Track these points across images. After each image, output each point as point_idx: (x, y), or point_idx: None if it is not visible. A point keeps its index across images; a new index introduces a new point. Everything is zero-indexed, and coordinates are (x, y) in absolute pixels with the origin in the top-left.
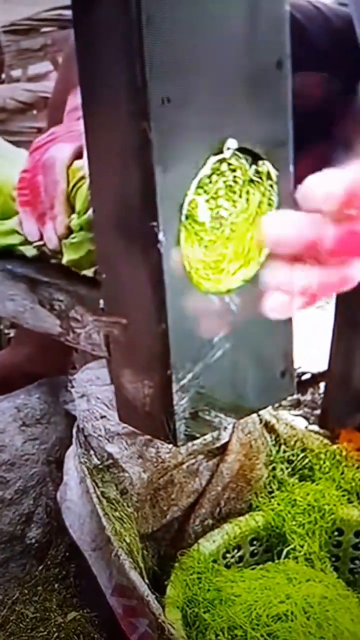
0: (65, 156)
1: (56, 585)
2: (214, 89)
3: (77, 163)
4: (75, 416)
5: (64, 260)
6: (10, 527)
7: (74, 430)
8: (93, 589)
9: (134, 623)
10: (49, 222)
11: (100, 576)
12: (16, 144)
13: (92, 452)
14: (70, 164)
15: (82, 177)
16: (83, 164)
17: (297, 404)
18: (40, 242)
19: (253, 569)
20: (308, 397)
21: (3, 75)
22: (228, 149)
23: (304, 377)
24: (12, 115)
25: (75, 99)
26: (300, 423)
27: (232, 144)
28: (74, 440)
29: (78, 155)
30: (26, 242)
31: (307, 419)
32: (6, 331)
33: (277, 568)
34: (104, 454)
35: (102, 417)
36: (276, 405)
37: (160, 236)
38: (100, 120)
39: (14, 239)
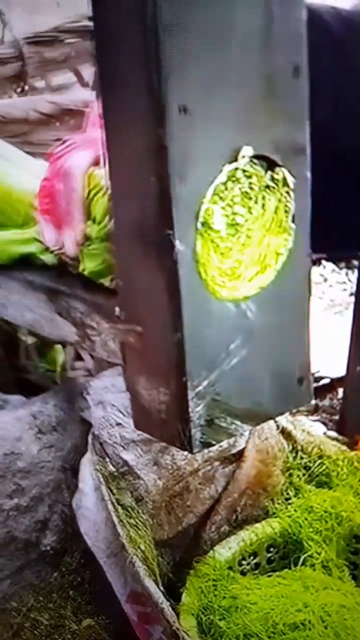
0: (83, 164)
1: (71, 592)
2: (230, 96)
3: (95, 171)
4: (91, 423)
5: (82, 269)
6: (25, 534)
7: (90, 437)
8: (108, 596)
9: (149, 630)
10: (67, 229)
11: (115, 583)
12: (38, 155)
13: (107, 459)
14: (89, 172)
15: (101, 186)
16: (101, 171)
17: (315, 410)
18: (60, 250)
19: (269, 576)
20: (326, 402)
21: (26, 87)
22: (244, 156)
23: (322, 383)
24: (34, 127)
25: (94, 109)
26: (319, 429)
27: (247, 151)
28: (89, 447)
29: (96, 163)
30: (46, 250)
31: (325, 424)
32: (24, 338)
33: (293, 575)
34: (120, 461)
35: (118, 424)
36: (294, 410)
37: (177, 244)
38: (118, 129)
39: (34, 248)
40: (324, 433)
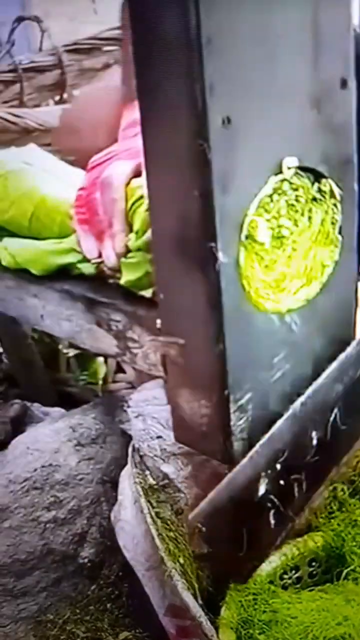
0: (123, 174)
1: (108, 605)
2: (276, 108)
3: (135, 181)
4: (131, 436)
5: (122, 281)
6: (63, 547)
7: (130, 450)
8: (145, 609)
9: None
10: (107, 240)
11: (153, 596)
12: (73, 163)
13: (147, 472)
14: (129, 182)
15: (141, 196)
16: (141, 182)
17: None
18: (99, 260)
19: (311, 590)
20: None
21: (65, 95)
22: (289, 168)
23: None
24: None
25: (131, 114)
26: None
27: (292, 162)
28: (129, 460)
29: (137, 173)
30: (84, 259)
31: None
32: (65, 351)
33: (335, 589)
34: (160, 474)
35: (158, 437)
36: None
37: (220, 256)
38: (159, 141)
39: (72, 258)
40: None
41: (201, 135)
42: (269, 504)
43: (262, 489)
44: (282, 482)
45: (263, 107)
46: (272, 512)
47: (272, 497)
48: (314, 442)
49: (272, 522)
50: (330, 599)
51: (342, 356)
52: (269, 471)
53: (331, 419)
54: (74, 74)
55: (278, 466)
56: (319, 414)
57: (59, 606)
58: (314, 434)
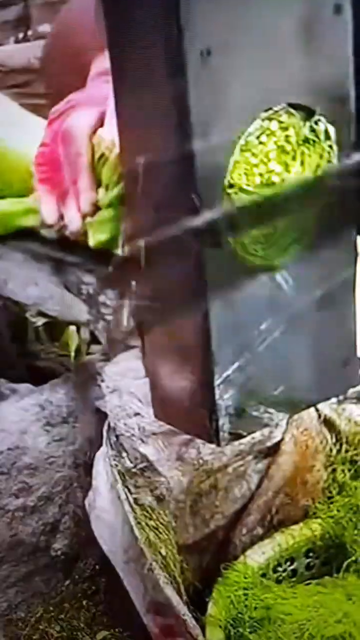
0: (86, 124)
1: (84, 602)
2: (261, 37)
3: (101, 131)
4: (106, 414)
5: (91, 242)
6: (33, 538)
7: (105, 429)
8: (125, 606)
9: None
10: (71, 199)
11: (133, 592)
12: (42, 107)
13: (124, 453)
14: (94, 133)
15: (109, 147)
16: (108, 131)
17: None
18: (59, 225)
19: (308, 584)
20: None
21: (30, 32)
22: (278, 106)
23: None
24: (39, 76)
25: (102, 63)
26: None
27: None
28: (104, 440)
29: (102, 123)
30: (44, 224)
31: None
32: (33, 320)
33: (335, 583)
34: (138, 455)
35: (136, 414)
36: (339, 397)
37: (201, 208)
38: (130, 80)
39: (32, 220)
40: None
41: (178, 71)
42: None
43: None
44: None
45: (247, 37)
46: None
47: None
48: None
49: None
50: (329, 594)
51: None
52: None
53: None
54: (38, 8)
55: None
56: None
57: (30, 603)
58: None
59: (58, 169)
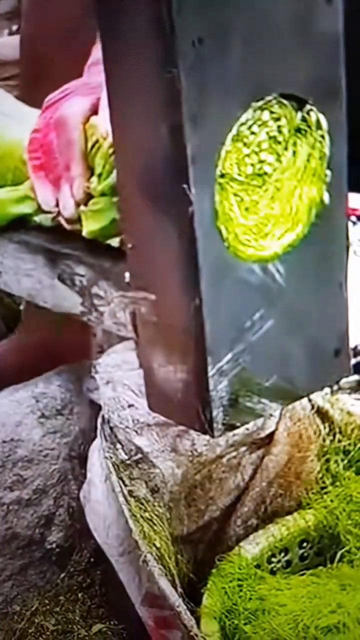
0: (80, 111)
1: (80, 595)
2: (252, 27)
3: (94, 119)
4: (100, 405)
5: (84, 232)
6: (28, 531)
7: (99, 421)
8: (120, 599)
9: (167, 636)
10: (65, 186)
11: (128, 584)
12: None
13: (118, 445)
14: (87, 120)
15: (102, 135)
16: (102, 119)
17: (358, 387)
18: (56, 210)
19: (303, 574)
20: None
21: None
22: (270, 96)
23: None
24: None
25: (97, 52)
26: None
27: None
28: (98, 432)
29: (95, 110)
30: (40, 210)
31: None
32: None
33: (329, 573)
34: (132, 447)
35: (130, 406)
36: (334, 388)
37: (193, 198)
38: (122, 69)
39: (27, 208)
40: None
41: (169, 60)
42: None
43: None
44: None
45: (238, 27)
46: None
47: None
48: None
49: None
50: (323, 584)
51: None
52: None
53: None
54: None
55: None
56: None
57: (26, 596)
58: None
59: (51, 155)
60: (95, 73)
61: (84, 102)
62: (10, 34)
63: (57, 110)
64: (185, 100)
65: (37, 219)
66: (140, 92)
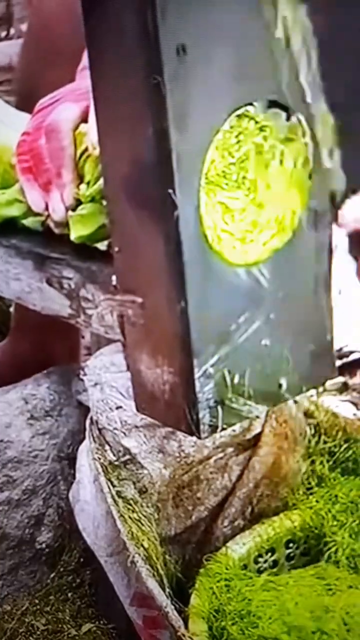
0: (70, 118)
1: (69, 594)
2: (236, 35)
3: (84, 127)
4: (88, 407)
5: (73, 237)
6: (18, 531)
7: (87, 422)
8: (110, 599)
9: (156, 635)
10: (55, 191)
11: (117, 584)
12: None
13: (107, 446)
14: (77, 127)
15: (92, 144)
16: (91, 127)
17: (344, 388)
18: (46, 213)
19: (289, 573)
20: (357, 380)
21: (12, 30)
22: (254, 103)
23: (352, 358)
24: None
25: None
26: (347, 409)
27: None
28: (87, 433)
29: (85, 117)
30: (29, 213)
31: (355, 405)
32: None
33: (316, 573)
34: (120, 448)
35: (118, 407)
36: (319, 390)
37: (178, 204)
38: (107, 76)
39: (15, 210)
40: (354, 415)
41: (154, 67)
42: None
43: None
44: None
45: (222, 34)
46: None
47: None
48: None
49: None
50: (309, 585)
51: None
52: None
53: None
54: (21, 6)
55: None
56: None
57: (16, 596)
58: None
59: (40, 160)
60: (85, 77)
61: (74, 109)
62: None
63: (48, 116)
64: (170, 107)
65: (26, 222)
66: (126, 98)
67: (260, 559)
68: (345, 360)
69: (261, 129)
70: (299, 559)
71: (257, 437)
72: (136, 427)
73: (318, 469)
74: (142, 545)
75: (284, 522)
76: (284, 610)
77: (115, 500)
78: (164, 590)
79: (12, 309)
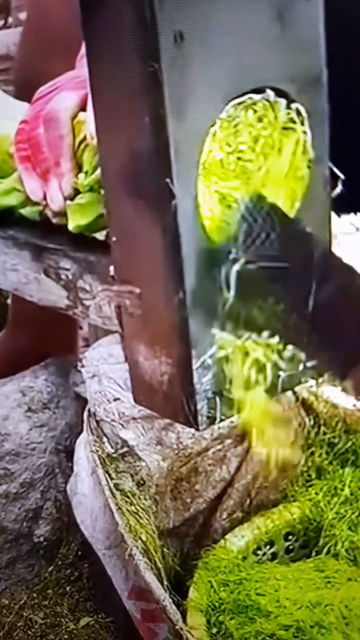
0: (69, 107)
1: (67, 588)
2: (234, 22)
3: (82, 115)
4: (86, 399)
5: (71, 227)
6: (16, 524)
7: (85, 415)
8: (108, 592)
9: (154, 629)
10: (53, 180)
11: (115, 577)
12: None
13: (104, 439)
14: (75, 116)
15: (91, 133)
16: (90, 115)
17: None
18: (44, 202)
19: (288, 565)
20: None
21: (10, 19)
22: (252, 92)
23: None
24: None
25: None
26: (348, 400)
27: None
28: (84, 426)
29: (84, 106)
30: (27, 202)
31: None
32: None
33: (314, 566)
34: (118, 440)
35: (116, 399)
36: (318, 380)
37: (176, 193)
38: (104, 64)
39: (12, 200)
40: (354, 405)
41: (151, 55)
42: None
43: None
44: None
45: (219, 21)
46: None
47: None
48: None
49: None
50: (308, 578)
51: None
52: None
53: None
54: None
55: None
56: None
57: (14, 590)
58: None
59: (39, 148)
60: (84, 65)
61: (73, 97)
62: None
63: (47, 104)
64: (168, 94)
65: (23, 211)
66: (123, 86)
67: (259, 552)
68: None
69: (260, 118)
70: (298, 551)
71: None
72: (134, 418)
73: (317, 461)
74: (140, 538)
75: (283, 514)
76: (283, 603)
77: (113, 493)
78: (162, 583)
79: (9, 301)
